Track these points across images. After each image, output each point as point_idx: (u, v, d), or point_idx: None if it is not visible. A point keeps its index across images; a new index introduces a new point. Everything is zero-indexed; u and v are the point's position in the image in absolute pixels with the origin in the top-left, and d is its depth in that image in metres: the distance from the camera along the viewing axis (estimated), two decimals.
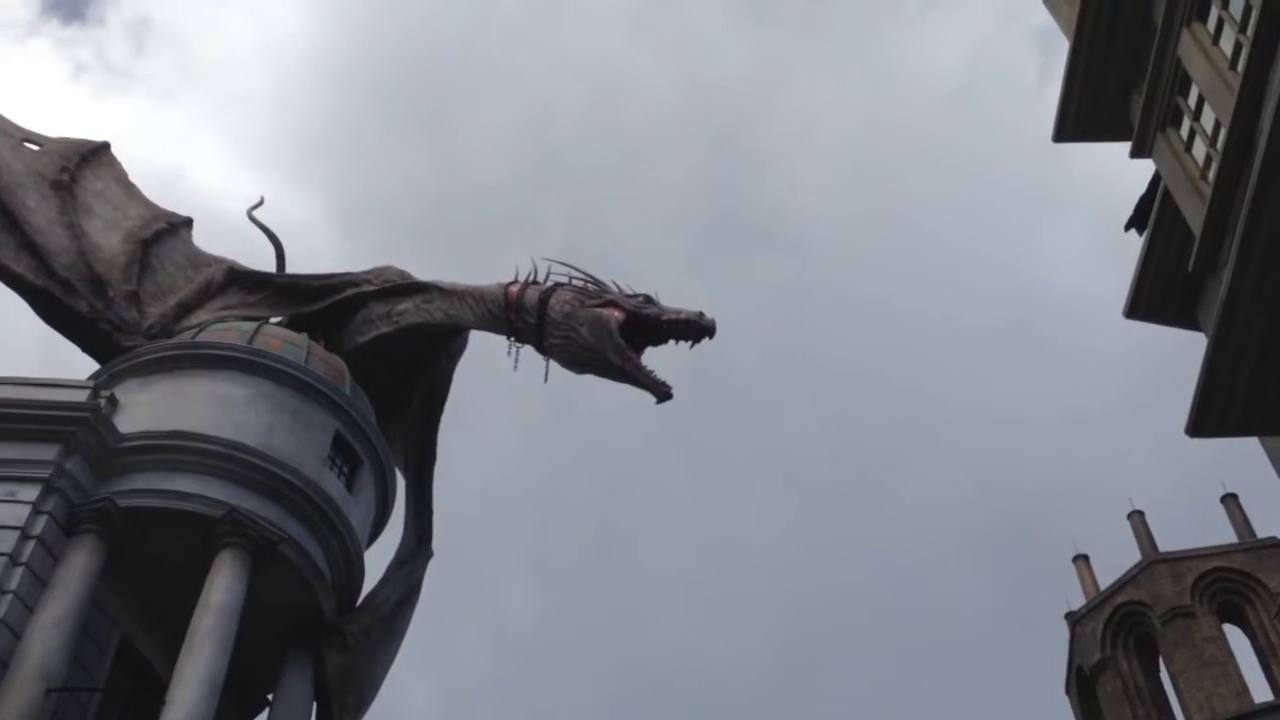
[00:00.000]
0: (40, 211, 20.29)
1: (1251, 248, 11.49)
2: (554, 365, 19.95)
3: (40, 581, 15.70)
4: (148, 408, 18.04)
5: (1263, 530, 32.28)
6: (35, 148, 21.98)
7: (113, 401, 17.73)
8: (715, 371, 76.19)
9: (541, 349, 19.84)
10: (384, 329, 20.95)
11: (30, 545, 15.78)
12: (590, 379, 19.73)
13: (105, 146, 23.15)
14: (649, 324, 18.91)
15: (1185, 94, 14.11)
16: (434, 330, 21.01)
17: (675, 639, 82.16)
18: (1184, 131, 14.26)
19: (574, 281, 19.92)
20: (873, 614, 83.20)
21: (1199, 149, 13.92)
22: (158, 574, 17.29)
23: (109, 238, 20.77)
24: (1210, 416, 12.83)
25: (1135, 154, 15.20)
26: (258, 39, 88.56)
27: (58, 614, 15.37)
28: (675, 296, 19.37)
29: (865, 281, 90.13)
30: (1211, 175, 13.19)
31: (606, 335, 18.78)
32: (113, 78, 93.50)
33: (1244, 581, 30.79)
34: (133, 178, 23.02)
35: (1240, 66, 12.43)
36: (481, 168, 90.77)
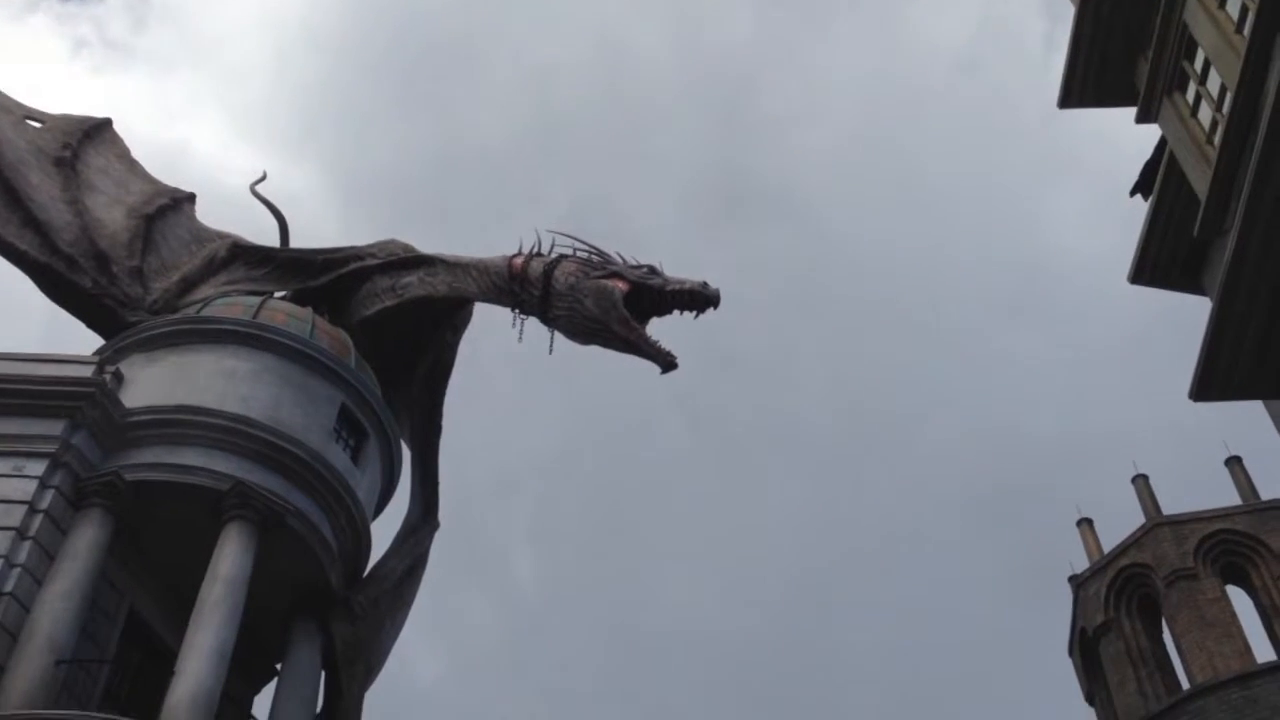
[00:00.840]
0: (43, 188, 20.28)
1: (1257, 211, 11.48)
2: (559, 336, 19.97)
3: (48, 555, 15.81)
4: (153, 382, 18.09)
5: (1266, 492, 32.35)
6: (37, 125, 21.94)
7: (118, 376, 17.78)
8: (719, 340, 76.23)
9: (546, 320, 19.84)
10: (388, 302, 20.95)
11: (38, 519, 15.88)
12: (595, 350, 19.76)
13: (107, 123, 23.09)
14: (653, 295, 18.90)
15: (1191, 58, 14.06)
16: (438, 303, 21.01)
17: (681, 606, 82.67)
18: (1190, 96, 14.22)
19: (578, 253, 19.90)
20: (877, 579, 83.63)
21: (1205, 113, 13.88)
22: (165, 547, 17.40)
23: (112, 213, 20.76)
24: (1214, 380, 12.86)
25: (1141, 119, 15.17)
26: (256, 12, 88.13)
27: (66, 586, 15.48)
28: (679, 266, 19.36)
29: (870, 249, 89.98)
30: (1217, 139, 13.16)
31: (611, 306, 18.78)
32: (112, 53, 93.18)
33: (1247, 543, 30.89)
34: (134, 153, 22.99)
35: (1246, 30, 12.37)
36: (483, 138, 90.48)
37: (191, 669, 15.34)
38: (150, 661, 17.19)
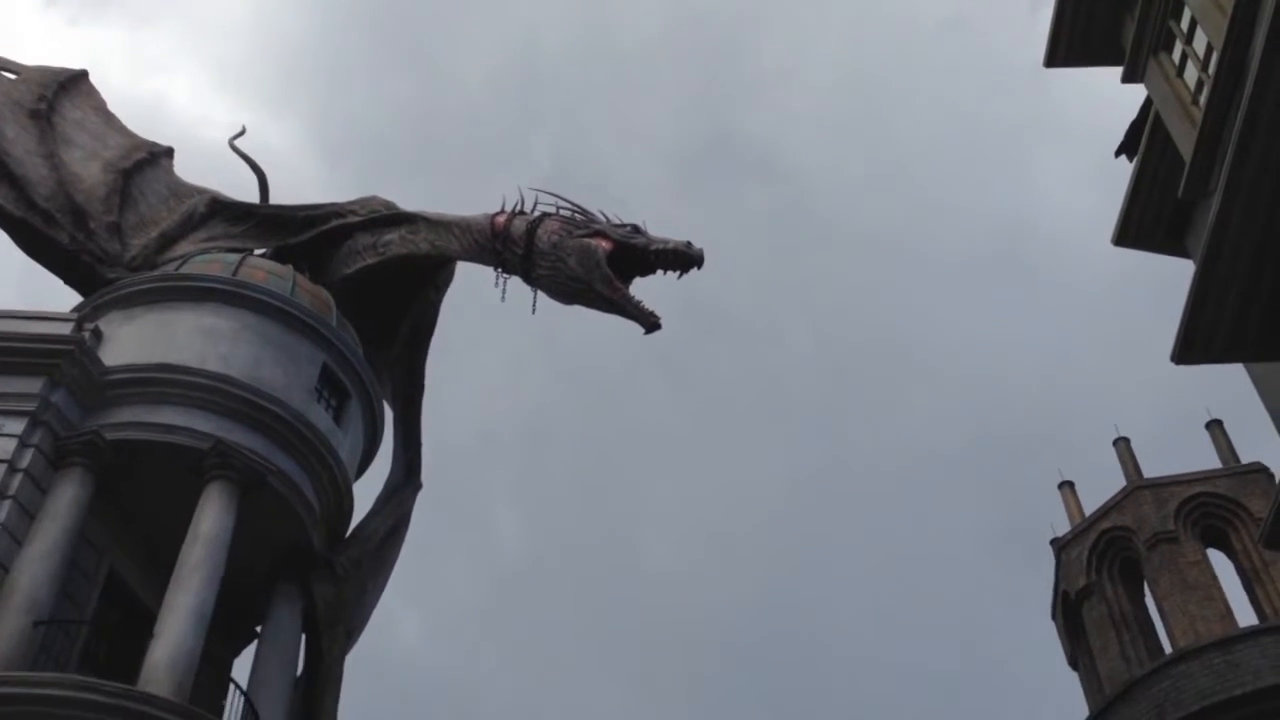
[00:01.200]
0: (19, 142, 20.04)
1: (1241, 174, 11.39)
2: (542, 296, 19.86)
3: (28, 514, 15.72)
4: (132, 340, 17.96)
5: (1247, 456, 32.46)
6: (11, 76, 21.66)
7: (97, 334, 17.64)
8: (703, 301, 76.05)
9: (529, 280, 19.74)
10: (370, 260, 20.82)
11: (18, 478, 15.79)
12: (578, 309, 19.66)
13: (83, 75, 22.81)
14: (637, 254, 18.79)
15: (1178, 17, 13.92)
16: (420, 261, 20.88)
17: (666, 568, 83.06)
18: (1176, 55, 14.09)
19: (561, 212, 19.76)
20: (862, 544, 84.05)
21: (1190, 73, 13.76)
22: (146, 506, 17.33)
23: (89, 168, 20.53)
24: (1196, 343, 12.82)
25: (1127, 78, 15.03)
26: None
27: (46, 546, 15.40)
28: (663, 225, 19.23)
29: (853, 210, 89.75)
30: (1203, 100, 13.06)
31: (594, 265, 18.68)
32: (88, 4, 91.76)
33: (1227, 506, 31.01)
34: (111, 106, 22.72)
35: None
36: (466, 94, 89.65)
37: (171, 630, 15.30)
38: (129, 622, 17.13)
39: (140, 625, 16.57)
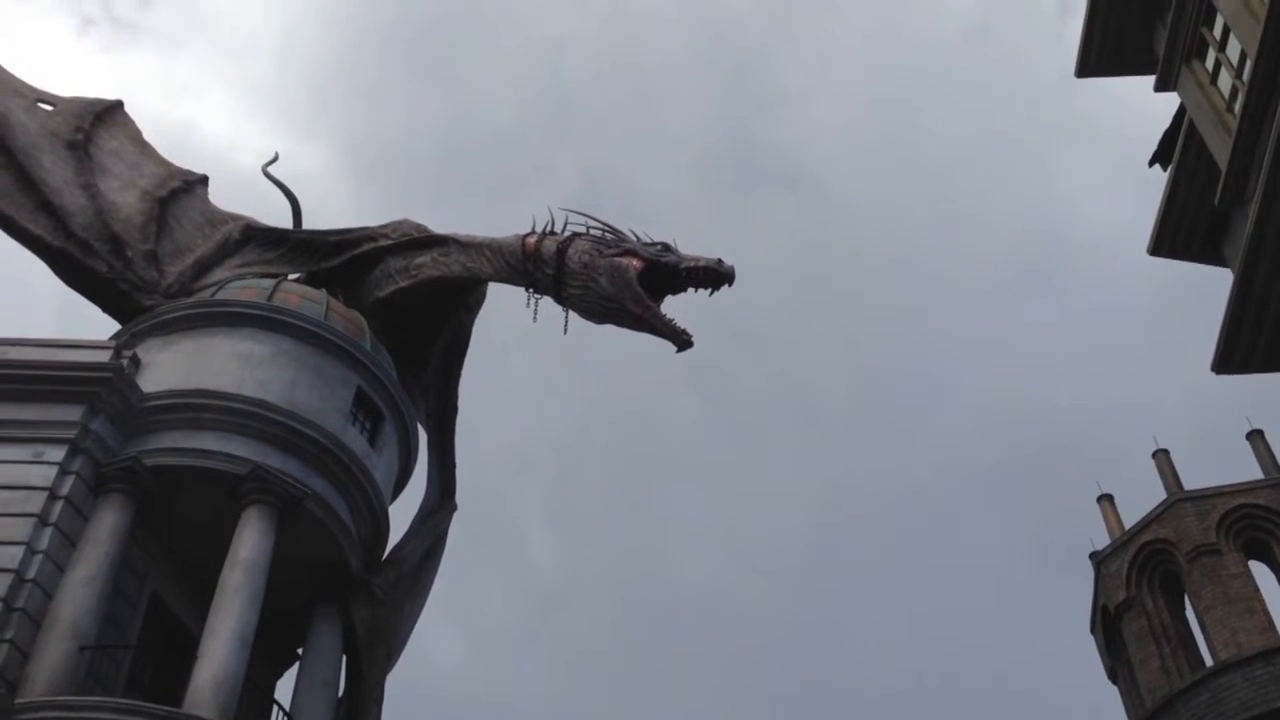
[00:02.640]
0: (56, 172, 20.28)
1: (1279, 181, 11.30)
2: (573, 316, 19.91)
3: (70, 541, 15.85)
4: (170, 366, 18.12)
5: None
6: (49, 108, 21.92)
7: (135, 361, 17.81)
8: (732, 314, 75.98)
9: (560, 300, 19.80)
10: (402, 283, 20.92)
11: (59, 505, 15.92)
12: (609, 328, 19.69)
13: (119, 105, 23.07)
14: (668, 272, 18.82)
15: (1210, 24, 13.85)
16: (452, 283, 20.97)
17: (699, 583, 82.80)
18: (1209, 63, 14.02)
19: (591, 231, 19.83)
20: (897, 556, 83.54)
21: (1225, 81, 13.69)
22: (185, 531, 17.44)
23: (125, 197, 20.76)
24: (1236, 352, 12.72)
25: (1160, 87, 14.97)
26: None
27: (88, 573, 15.52)
28: (691, 239, 19.27)
29: (881, 225, 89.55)
30: (1238, 107, 12.97)
31: (625, 284, 18.72)
32: (119, 30, 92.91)
33: (1270, 518, 30.68)
34: (143, 132, 22.96)
35: None
36: (493, 113, 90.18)
37: (214, 653, 15.40)
38: (172, 646, 17.25)
39: (183, 649, 16.69)
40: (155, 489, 16.85)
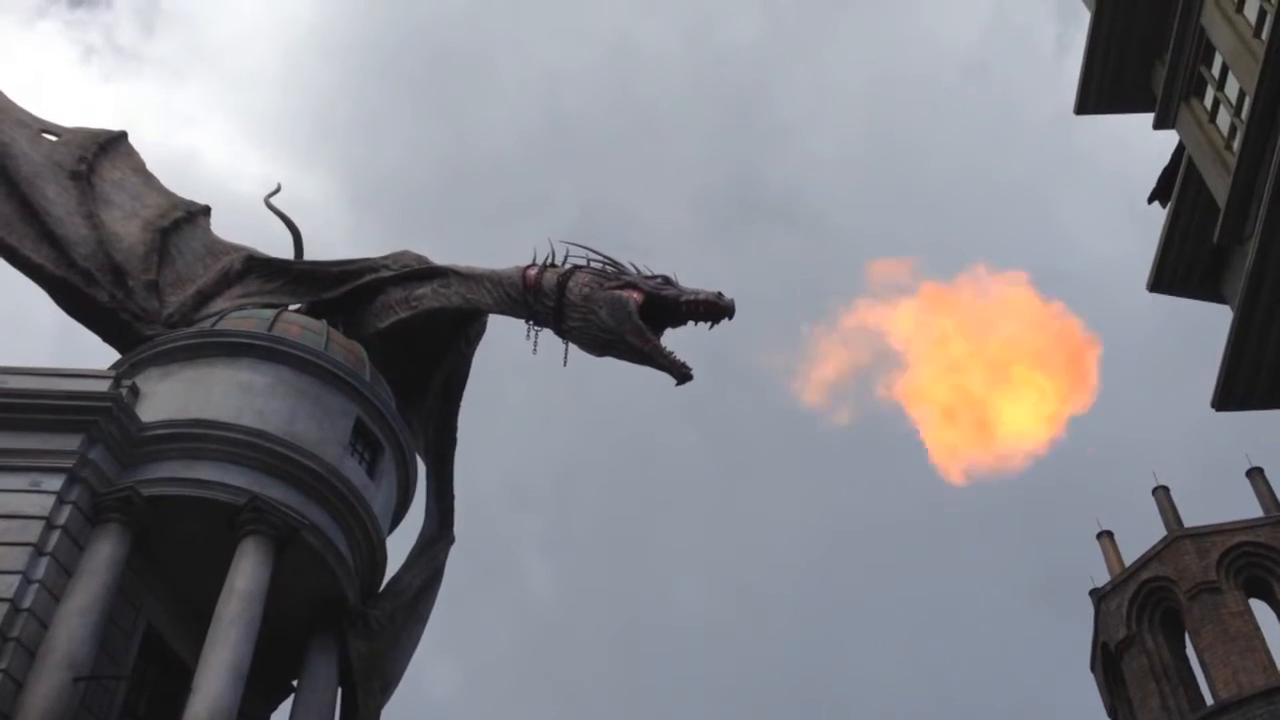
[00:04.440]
0: (59, 202, 20.35)
1: (1277, 218, 11.34)
2: (573, 348, 19.91)
3: (65, 570, 15.77)
4: (169, 396, 18.09)
5: None
6: (53, 138, 22.02)
7: (134, 391, 17.79)
8: (730, 346, 75.98)
9: (560, 332, 19.80)
10: (402, 314, 20.95)
11: (55, 534, 15.85)
12: (609, 361, 19.69)
13: (122, 136, 23.18)
14: (668, 305, 18.84)
15: (1209, 63, 13.94)
16: (452, 315, 20.99)
17: (697, 618, 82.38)
18: (1208, 101, 14.10)
19: (592, 264, 19.86)
20: (896, 592, 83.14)
21: (1223, 119, 13.76)
22: (182, 561, 17.36)
23: (128, 227, 20.82)
24: (1235, 390, 12.73)
25: (1159, 125, 15.05)
26: (266, 18, 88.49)
27: (84, 602, 15.44)
28: (689, 273, 19.31)
29: (881, 255, 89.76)
30: (1236, 145, 13.04)
31: (626, 317, 18.74)
32: (122, 60, 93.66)
33: (1270, 556, 30.60)
34: (144, 159, 23.05)
35: (1265, 34, 12.26)
36: (493, 144, 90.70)
37: (208, 685, 15.28)
38: (167, 677, 17.14)
39: (178, 680, 16.58)
40: (152, 519, 16.78)
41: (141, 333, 19.55)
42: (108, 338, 20.08)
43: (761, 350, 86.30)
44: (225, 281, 21.11)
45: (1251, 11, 12.87)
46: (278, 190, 24.50)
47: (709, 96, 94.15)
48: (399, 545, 20.63)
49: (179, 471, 17.18)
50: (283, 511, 17.11)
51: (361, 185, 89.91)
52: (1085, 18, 15.66)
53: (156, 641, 17.27)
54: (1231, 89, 13.39)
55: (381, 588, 19.36)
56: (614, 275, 19.46)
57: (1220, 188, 13.42)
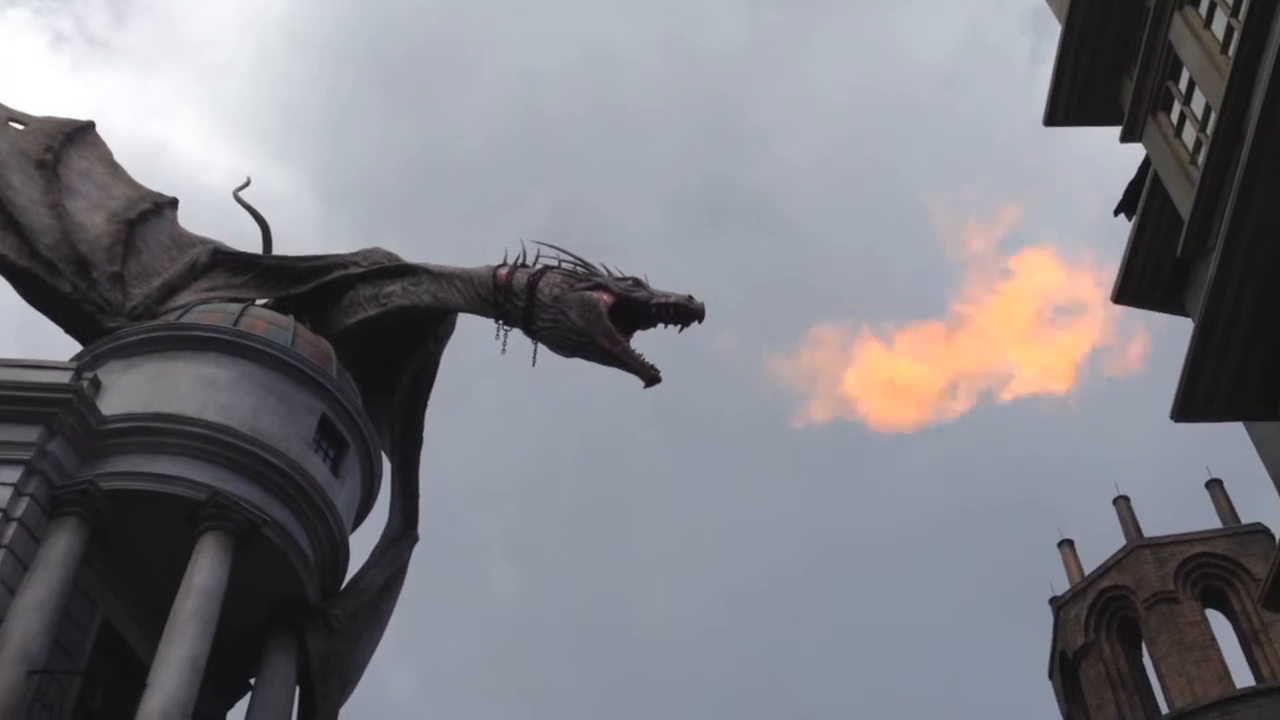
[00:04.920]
0: (24, 191, 20.11)
1: (1239, 233, 11.49)
2: (542, 348, 19.87)
3: (21, 563, 15.58)
4: (131, 389, 17.92)
5: (1247, 516, 32.44)
6: (20, 127, 21.77)
7: (95, 383, 17.60)
8: (701, 350, 76.20)
9: (530, 332, 19.75)
10: (371, 311, 20.83)
11: (12, 527, 15.66)
12: (578, 362, 19.67)
13: (90, 126, 22.94)
14: (638, 308, 18.84)
15: (1176, 78, 14.09)
16: (422, 313, 20.91)
17: (663, 623, 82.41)
18: (1174, 116, 14.25)
19: (563, 264, 19.82)
20: (859, 598, 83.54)
21: (1189, 133, 13.91)
22: (140, 556, 17.19)
23: (93, 218, 20.59)
24: (1195, 401, 12.85)
25: (1126, 138, 15.19)
26: (239, 10, 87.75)
27: (39, 596, 15.25)
28: (661, 276, 19.33)
29: (853, 263, 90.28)
30: (1201, 160, 13.18)
31: (595, 318, 18.71)
32: (93, 49, 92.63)
33: (1227, 567, 30.93)
34: (113, 150, 22.81)
35: (1231, 50, 12.40)
36: (467, 141, 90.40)
37: (163, 681, 15.13)
38: (123, 673, 16.95)
39: (133, 676, 16.39)
40: (111, 513, 16.61)
41: (105, 325, 19.34)
42: (70, 329, 19.85)
43: (731, 354, 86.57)
44: (191, 274, 20.92)
45: (1219, 28, 13.03)
46: (247, 184, 24.33)
47: (685, 101, 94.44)
48: (362, 544, 20.53)
49: (139, 465, 17.02)
50: (244, 508, 16.98)
51: (332, 181, 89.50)
52: (1057, 30, 15.81)
53: (113, 637, 17.09)
54: (1198, 104, 13.55)
55: (343, 586, 19.23)
56: (585, 277, 19.43)
57: (1184, 201, 13.57)
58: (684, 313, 18.73)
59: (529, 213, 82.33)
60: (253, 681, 18.11)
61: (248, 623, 17.53)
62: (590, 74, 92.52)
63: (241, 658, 17.98)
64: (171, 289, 20.49)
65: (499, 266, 20.11)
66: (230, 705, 19.03)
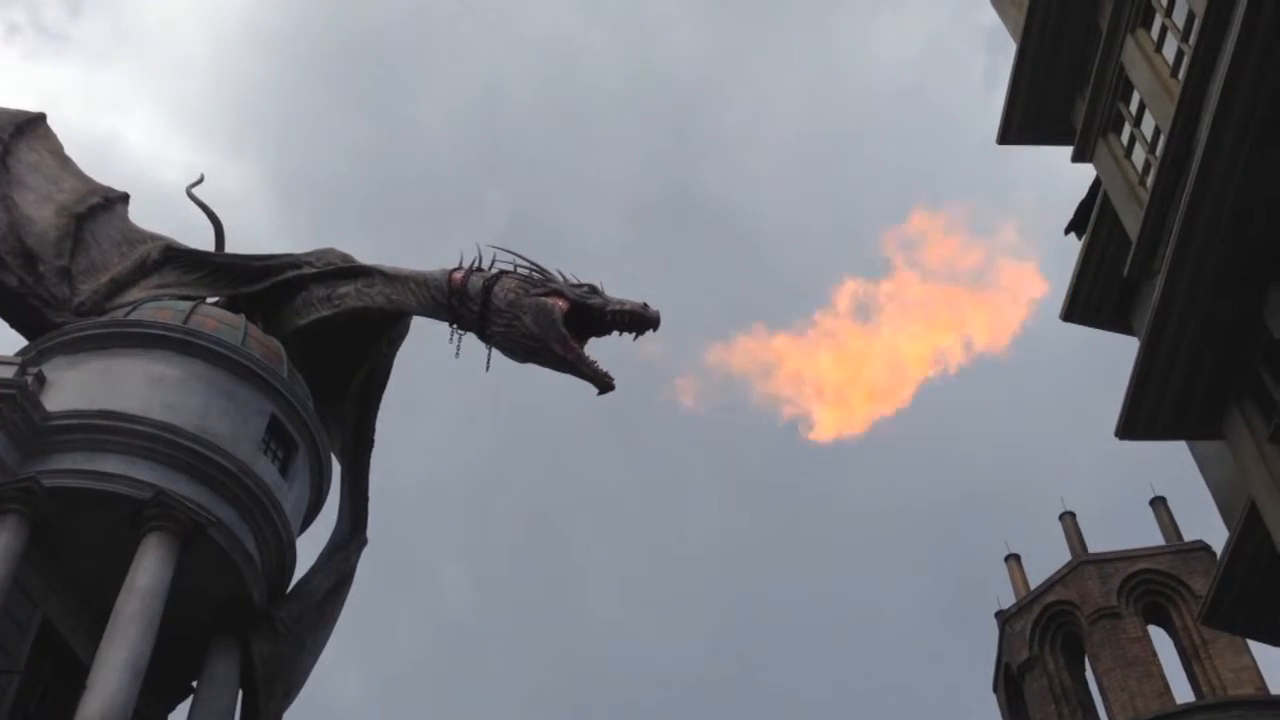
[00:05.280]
0: None
1: (1185, 255, 11.66)
2: (496, 353, 19.81)
3: None
4: (76, 386, 17.67)
5: (1190, 533, 32.91)
6: None
7: (40, 379, 17.35)
8: (656, 358, 76.29)
9: (484, 337, 19.68)
10: (324, 312, 20.68)
11: None
12: (532, 368, 19.63)
13: (41, 118, 22.60)
14: (593, 314, 18.84)
15: (1127, 100, 14.29)
16: (375, 315, 20.78)
17: (611, 631, 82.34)
18: (1125, 137, 14.45)
19: (519, 269, 19.78)
20: (807, 610, 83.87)
21: (1138, 155, 14.11)
22: (83, 556, 16.96)
23: (42, 211, 20.29)
24: (1139, 419, 13.03)
25: (1077, 158, 15.37)
26: (196, 4, 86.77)
27: None
28: (619, 282, 19.35)
29: (813, 272, 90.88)
30: (1149, 182, 13.37)
31: (550, 324, 18.69)
32: (46, 40, 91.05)
33: (1169, 584, 31.36)
34: (64, 142, 22.48)
35: (1181, 75, 12.60)
36: (426, 144, 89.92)
37: (103, 683, 14.93)
38: (62, 673, 16.71)
39: (73, 677, 16.17)
40: (53, 511, 16.37)
41: (51, 320, 19.06)
42: (15, 324, 19.57)
43: (685, 360, 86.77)
44: (142, 271, 20.66)
45: (1170, 52, 13.24)
46: (201, 181, 24.08)
47: (646, 106, 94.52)
48: (310, 546, 20.36)
49: (83, 463, 16.79)
50: (189, 508, 16.79)
51: (288, 179, 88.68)
52: (1013, 49, 16.00)
53: (53, 636, 16.83)
54: (1148, 126, 13.75)
55: (289, 589, 19.05)
56: (540, 282, 19.40)
57: (1133, 222, 13.76)
58: (639, 320, 18.76)
59: (486, 216, 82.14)
60: (195, 684, 17.89)
61: (191, 625, 17.33)
62: (551, 79, 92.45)
63: (183, 660, 17.77)
64: (120, 285, 20.22)
65: (454, 270, 20.03)
66: (171, 708, 18.79)
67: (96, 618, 16.43)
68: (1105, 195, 15.13)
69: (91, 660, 15.57)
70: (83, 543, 16.88)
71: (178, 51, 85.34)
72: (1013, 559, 34.83)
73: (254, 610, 17.87)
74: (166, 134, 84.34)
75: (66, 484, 16.56)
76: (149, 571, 16.11)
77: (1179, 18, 13.04)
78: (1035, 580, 33.39)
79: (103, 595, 16.39)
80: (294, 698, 19.43)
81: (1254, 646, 28.25)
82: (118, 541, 16.49)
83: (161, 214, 22.94)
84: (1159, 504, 34.03)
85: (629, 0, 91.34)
